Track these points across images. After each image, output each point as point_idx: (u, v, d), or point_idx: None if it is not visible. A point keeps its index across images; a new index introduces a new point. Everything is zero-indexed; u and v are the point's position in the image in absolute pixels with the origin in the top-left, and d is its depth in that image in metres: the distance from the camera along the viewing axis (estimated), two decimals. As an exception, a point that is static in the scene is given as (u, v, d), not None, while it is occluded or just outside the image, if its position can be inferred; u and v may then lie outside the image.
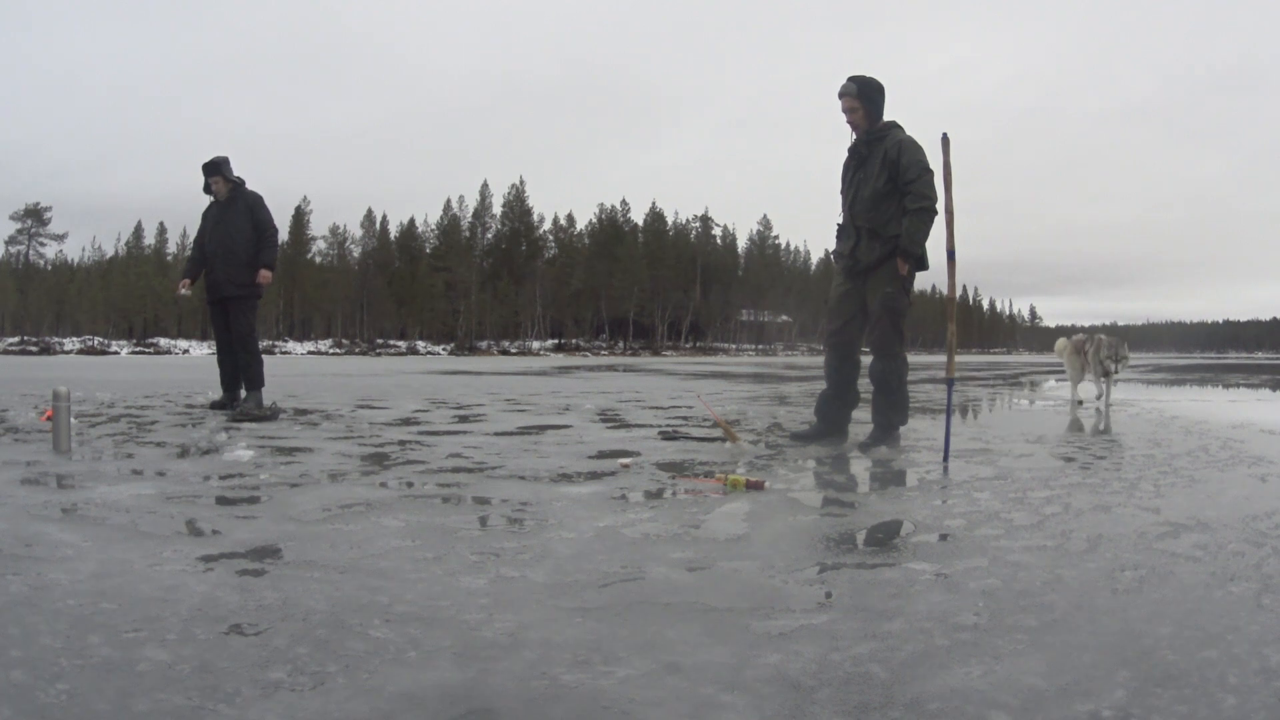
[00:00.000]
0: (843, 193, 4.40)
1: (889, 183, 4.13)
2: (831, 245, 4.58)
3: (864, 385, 4.43)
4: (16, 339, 50.23)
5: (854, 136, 4.34)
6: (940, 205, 4.00)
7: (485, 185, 71.33)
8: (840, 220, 4.42)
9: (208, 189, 6.25)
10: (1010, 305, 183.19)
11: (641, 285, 69.83)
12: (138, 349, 50.20)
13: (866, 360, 4.40)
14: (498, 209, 71.76)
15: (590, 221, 77.07)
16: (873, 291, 4.24)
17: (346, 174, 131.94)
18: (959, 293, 4.20)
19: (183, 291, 6.37)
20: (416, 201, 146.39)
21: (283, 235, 51.74)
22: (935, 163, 4.03)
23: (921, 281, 4.49)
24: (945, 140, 3.96)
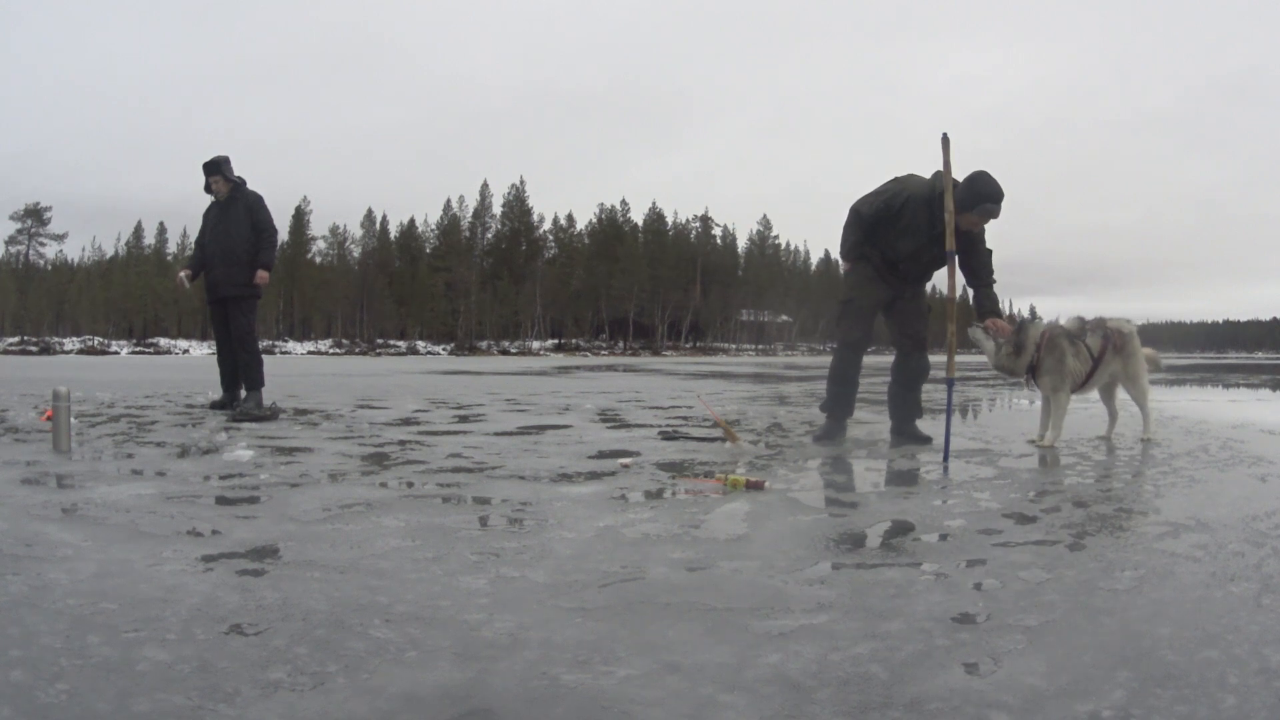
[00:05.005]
0: (911, 216, 4.37)
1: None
2: (834, 246, 4.65)
3: (870, 384, 4.44)
4: (16, 339, 50.28)
5: (909, 192, 4.36)
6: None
7: (485, 185, 71.53)
8: (908, 220, 4.34)
9: (208, 189, 6.25)
10: (1010, 305, 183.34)
11: (641, 285, 69.84)
12: (138, 349, 50.24)
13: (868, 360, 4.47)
14: (498, 209, 71.91)
15: (590, 221, 77.22)
16: (918, 294, 4.71)
17: (350, 175, 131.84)
18: (959, 293, 4.23)
19: (181, 275, 6.35)
20: (417, 202, 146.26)
21: (283, 235, 51.91)
22: (937, 163, 4.16)
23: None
24: (945, 140, 4.07)
